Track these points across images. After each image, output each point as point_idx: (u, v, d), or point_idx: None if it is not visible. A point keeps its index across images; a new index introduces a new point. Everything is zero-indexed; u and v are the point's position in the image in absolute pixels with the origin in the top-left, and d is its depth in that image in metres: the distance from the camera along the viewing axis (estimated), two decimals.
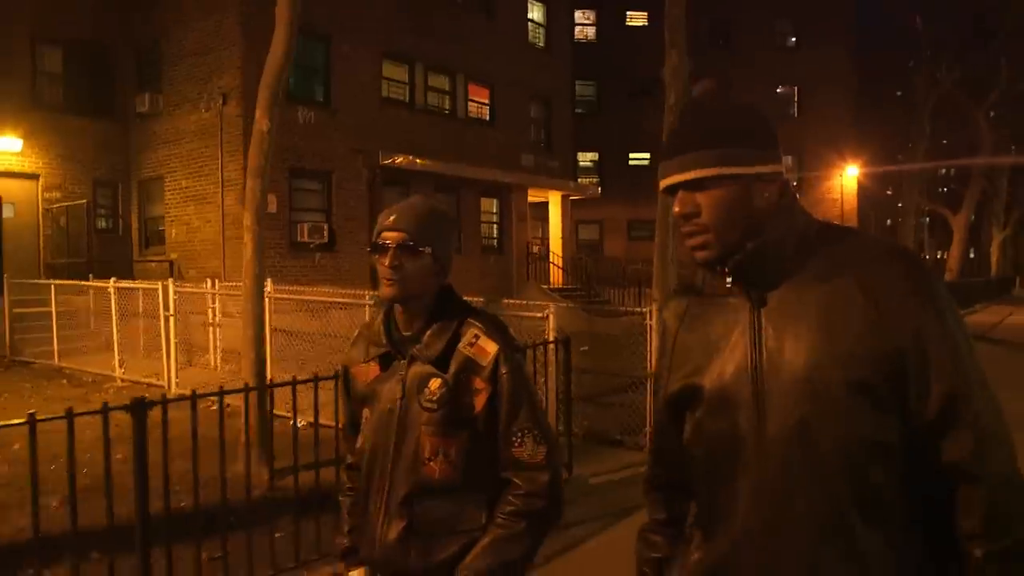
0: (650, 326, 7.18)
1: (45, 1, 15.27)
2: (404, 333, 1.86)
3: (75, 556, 3.35)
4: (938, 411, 1.23)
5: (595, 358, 10.32)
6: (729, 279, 1.37)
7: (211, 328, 11.51)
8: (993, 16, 29.11)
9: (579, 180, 26.76)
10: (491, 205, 20.34)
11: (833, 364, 1.24)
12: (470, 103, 19.80)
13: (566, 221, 23.02)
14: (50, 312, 12.61)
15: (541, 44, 22.40)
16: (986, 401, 1.25)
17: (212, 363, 11.49)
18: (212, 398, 4.06)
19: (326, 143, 15.74)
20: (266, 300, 10.11)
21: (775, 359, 1.30)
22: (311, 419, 4.62)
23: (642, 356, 7.46)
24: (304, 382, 4.44)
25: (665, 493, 1.59)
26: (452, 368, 1.78)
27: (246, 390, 4.62)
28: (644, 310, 7.50)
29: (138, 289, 11.34)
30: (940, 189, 44.66)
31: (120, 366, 10.80)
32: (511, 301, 8.23)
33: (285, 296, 9.35)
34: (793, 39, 32.14)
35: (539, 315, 6.38)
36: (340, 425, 2.00)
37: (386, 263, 1.79)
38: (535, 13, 22.14)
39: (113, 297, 10.92)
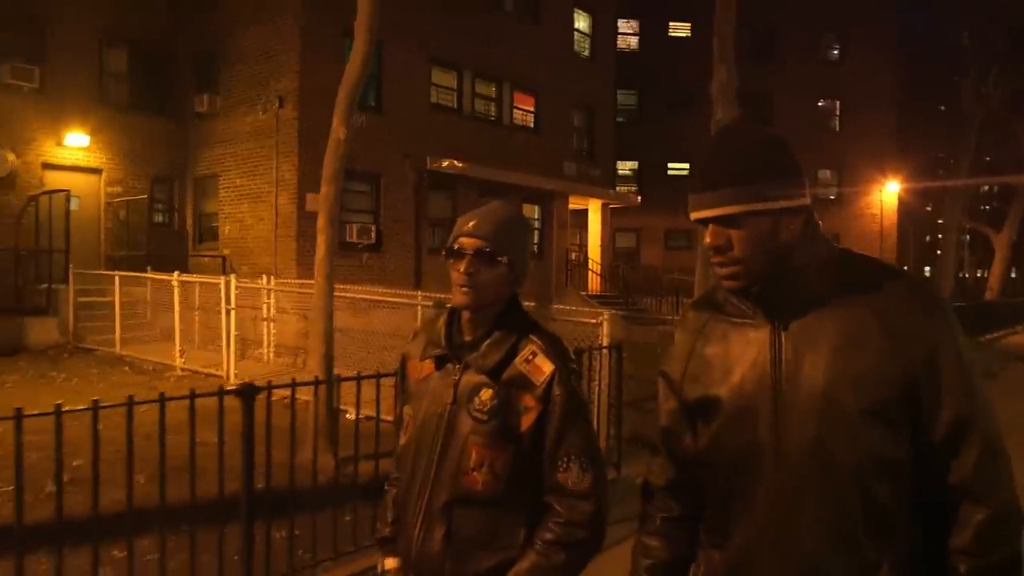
0: None
1: (113, 4, 15.93)
2: (465, 338, 1.84)
3: (165, 527, 3.68)
4: (946, 434, 1.31)
5: (635, 365, 10.56)
6: (751, 304, 1.44)
7: (265, 323, 11.97)
8: None
9: (618, 188, 26.98)
10: (533, 212, 20.67)
11: (848, 387, 1.31)
12: (515, 110, 20.17)
13: (605, 229, 23.27)
14: (111, 302, 13.16)
15: (586, 54, 22.71)
16: (991, 427, 1.33)
17: (265, 356, 11.94)
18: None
19: (376, 147, 16.17)
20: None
21: (794, 378, 1.36)
22: (371, 413, 4.77)
23: None
24: (368, 377, 4.61)
25: (676, 494, 1.60)
26: (503, 381, 1.76)
27: (316, 383, 4.93)
28: None
29: (196, 283, 11.81)
30: (982, 207, 44.08)
31: (180, 356, 11.27)
32: (564, 307, 8.51)
33: (350, 295, 9.72)
34: (836, 52, 32.05)
35: (593, 321, 6.67)
36: (398, 411, 2.00)
37: (461, 269, 1.76)
38: (581, 23, 22.46)
39: (176, 290, 11.42)
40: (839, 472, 1.32)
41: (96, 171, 15.99)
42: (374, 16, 6.46)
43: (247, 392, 3.83)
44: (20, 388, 9.87)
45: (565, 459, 1.73)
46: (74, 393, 9.44)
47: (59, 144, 15.33)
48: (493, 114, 19.61)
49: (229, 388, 3.92)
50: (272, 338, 12.02)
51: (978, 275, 54.07)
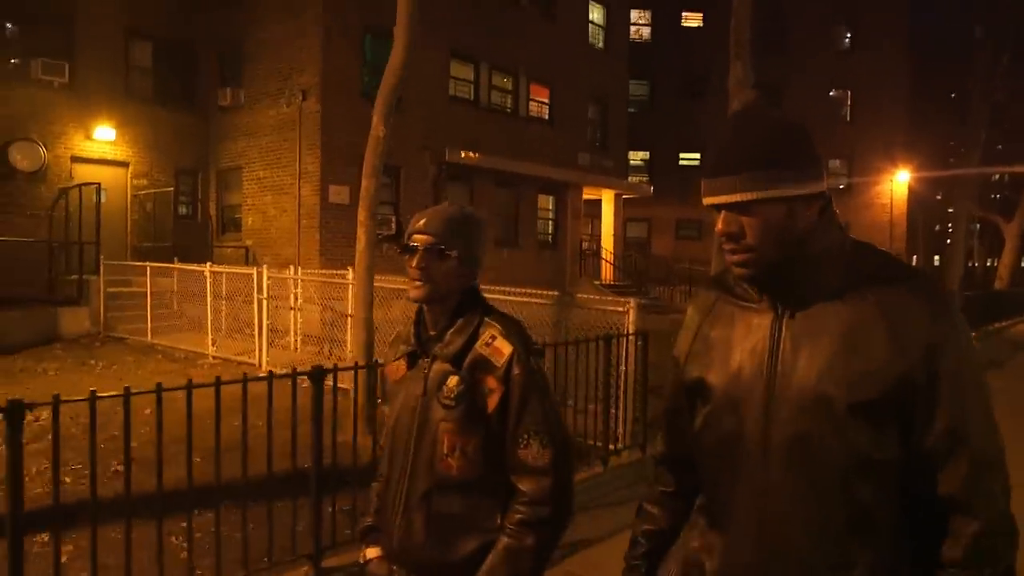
0: None
1: (138, 0, 16.26)
2: (430, 333, 1.92)
3: (227, 501, 3.97)
4: (940, 443, 1.27)
5: (650, 352, 10.90)
6: (758, 290, 1.43)
7: (292, 312, 12.31)
8: None
9: (629, 178, 27.26)
10: (547, 202, 20.99)
11: (841, 383, 1.29)
12: (531, 102, 20.45)
13: (618, 219, 23.56)
14: (139, 292, 13.57)
15: (600, 45, 22.95)
16: (987, 438, 1.29)
17: (292, 345, 12.30)
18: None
19: (396, 139, 16.22)
20: (350, 287, 10.93)
21: (789, 370, 1.34)
22: None
23: None
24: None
25: (674, 468, 1.62)
26: (466, 365, 1.83)
27: (355, 368, 5.25)
28: None
29: (229, 273, 12.18)
30: (992, 196, 44.08)
31: (213, 344, 11.65)
32: (591, 296, 8.85)
33: (389, 285, 9.98)
34: (848, 43, 32.15)
35: (620, 309, 6.99)
36: (381, 413, 2.08)
37: (414, 264, 1.86)
38: (595, 14, 22.69)
39: (208, 280, 11.78)
40: (824, 469, 1.30)
41: (123, 164, 16.37)
42: (413, 22, 6.75)
43: (316, 375, 4.18)
44: (63, 375, 10.27)
45: (525, 436, 1.79)
46: (115, 379, 9.81)
47: (87, 138, 15.72)
48: (509, 106, 19.91)
49: (301, 371, 4.25)
50: (299, 327, 12.37)
51: (988, 264, 54.07)
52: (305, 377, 4.20)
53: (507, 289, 8.44)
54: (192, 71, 17.62)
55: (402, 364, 1.96)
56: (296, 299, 12.26)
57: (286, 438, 4.22)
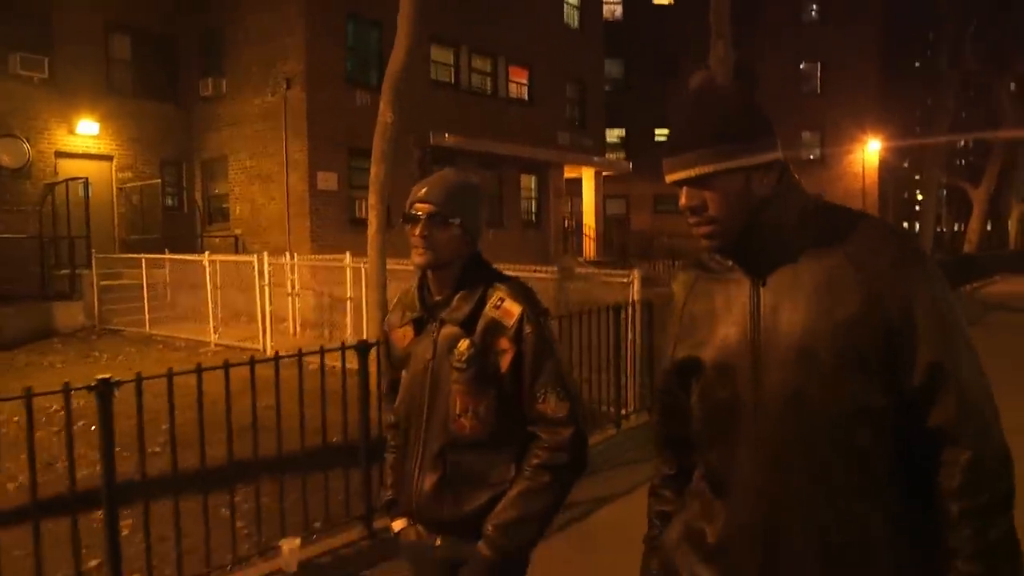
0: None
1: None
2: (436, 298, 1.97)
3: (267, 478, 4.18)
4: (925, 378, 1.31)
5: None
6: (731, 260, 1.46)
7: (290, 297, 12.48)
8: None
9: (607, 156, 27.55)
10: (530, 182, 21.24)
11: (825, 335, 1.32)
12: (511, 84, 20.63)
13: (598, 196, 23.87)
14: (131, 284, 13.64)
15: (575, 25, 23.13)
16: (971, 369, 1.33)
17: (291, 330, 12.48)
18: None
19: None
20: (348, 271, 11.14)
21: (772, 331, 1.38)
22: None
23: None
24: None
25: (674, 449, 1.65)
26: (479, 329, 1.88)
27: (377, 344, 5.44)
28: None
29: (230, 262, 12.31)
30: (958, 162, 45.02)
31: (215, 332, 11.80)
32: (597, 270, 9.15)
33: (401, 267, 10.07)
34: (816, 15, 32.60)
35: (624, 280, 7.29)
36: (382, 387, 2.11)
37: (416, 232, 1.90)
38: None
39: (207, 269, 11.90)
40: (817, 423, 1.33)
41: (107, 158, 16.33)
42: (416, 10, 6.93)
43: (362, 348, 4.42)
44: (70, 368, 10.38)
45: (543, 391, 1.86)
46: (124, 369, 9.92)
47: (71, 132, 15.66)
48: (489, 88, 20.08)
49: (349, 344, 4.48)
50: (297, 313, 12.55)
51: (955, 229, 55.25)
52: (352, 351, 4.42)
53: (509, 265, 8.70)
54: (173, 62, 17.57)
55: (409, 330, 2.01)
56: (294, 285, 12.43)
57: (318, 415, 4.34)
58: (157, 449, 5.23)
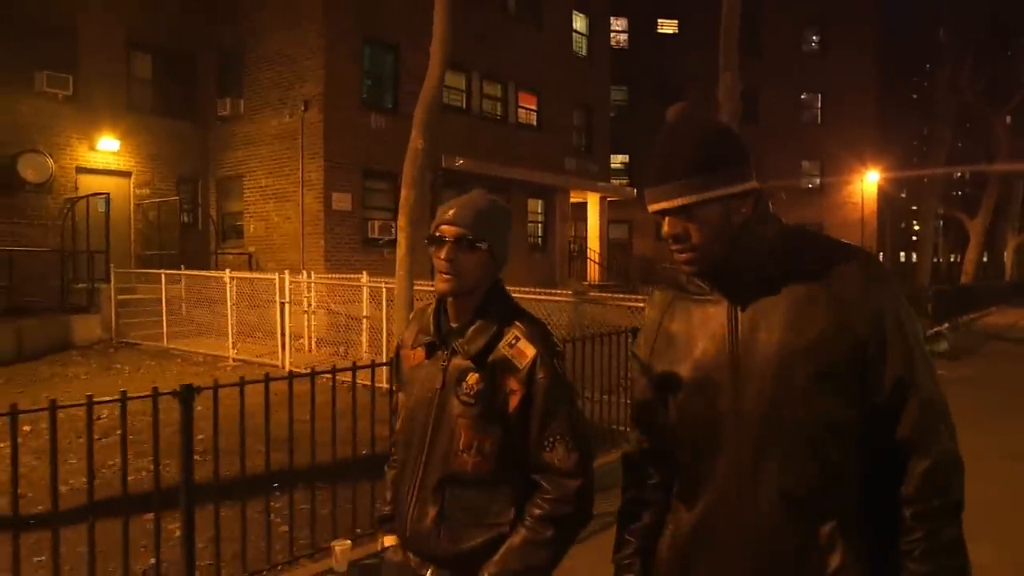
0: None
1: (138, 11, 16.60)
2: (452, 325, 1.90)
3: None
4: (891, 393, 1.39)
5: None
6: (710, 284, 1.53)
7: (306, 315, 12.77)
8: (1015, 17, 30.06)
9: (612, 181, 27.98)
10: (537, 206, 21.64)
11: (800, 355, 1.39)
12: (520, 109, 21.07)
13: (603, 221, 24.26)
14: (147, 299, 13.96)
15: (583, 53, 23.65)
16: (932, 386, 1.42)
17: (307, 347, 12.76)
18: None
19: (393, 146, 16.86)
20: (365, 290, 11.44)
21: (750, 349, 1.44)
22: None
23: None
24: None
25: (651, 462, 1.68)
26: (489, 365, 1.82)
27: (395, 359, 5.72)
28: None
29: (245, 279, 12.60)
30: (955, 193, 45.59)
31: (233, 347, 12.07)
32: (615, 295, 9.46)
33: (425, 288, 10.36)
34: (817, 46, 33.26)
35: (641, 304, 7.59)
36: (395, 398, 2.07)
37: (442, 256, 1.82)
38: (578, 23, 23.38)
39: (228, 286, 12.20)
40: (794, 434, 1.40)
41: (126, 174, 16.68)
42: (447, 40, 7.27)
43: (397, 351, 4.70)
44: (95, 379, 10.64)
45: (551, 439, 1.79)
46: (147, 381, 10.17)
47: (91, 149, 16.01)
48: (499, 113, 20.51)
49: (381, 362, 4.74)
50: (312, 331, 12.83)
51: (951, 259, 55.72)
52: (385, 367, 4.70)
53: (526, 288, 9.02)
54: (191, 82, 17.97)
55: (420, 352, 1.94)
56: (310, 303, 12.72)
57: (362, 428, 4.55)
58: (197, 458, 5.53)
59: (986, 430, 7.67)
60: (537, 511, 1.79)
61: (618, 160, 31.75)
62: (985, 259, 43.90)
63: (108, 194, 15.27)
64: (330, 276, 13.27)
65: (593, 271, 23.61)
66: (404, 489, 1.91)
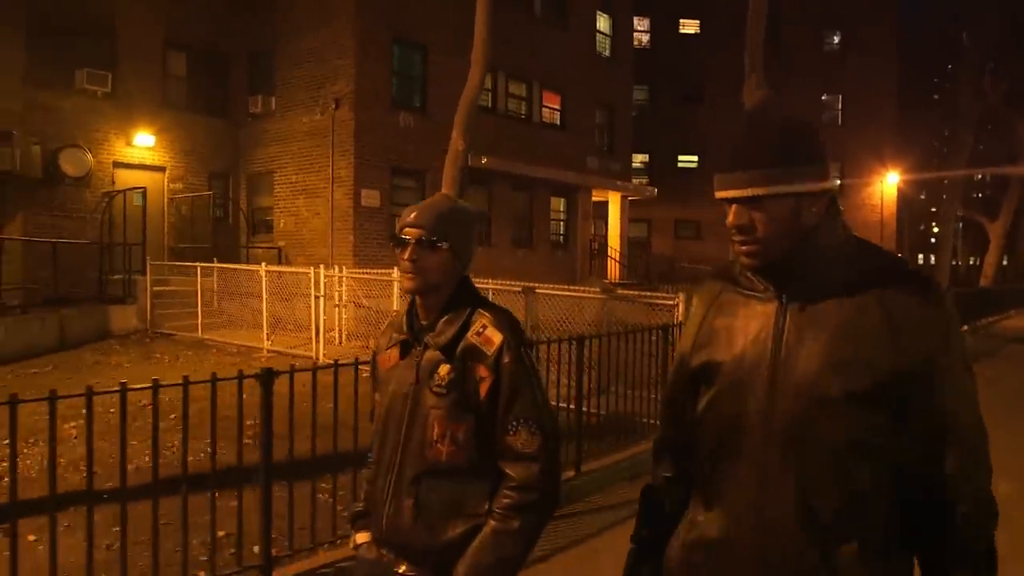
0: None
1: (174, 10, 17.05)
2: (422, 322, 1.95)
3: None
4: (934, 432, 1.35)
5: None
6: (765, 282, 1.48)
7: (337, 308, 13.11)
8: None
9: (632, 180, 28.22)
10: (559, 204, 21.94)
11: (840, 371, 1.35)
12: (544, 109, 21.37)
13: (624, 220, 24.51)
14: (181, 290, 14.36)
15: (607, 53, 23.91)
16: (976, 429, 1.38)
17: (337, 340, 13.11)
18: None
19: (421, 145, 17.32)
20: (396, 285, 11.78)
21: (791, 356, 1.40)
22: None
23: None
24: None
25: (674, 453, 1.68)
26: (458, 354, 1.86)
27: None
28: None
29: (280, 272, 12.97)
30: (975, 195, 45.40)
31: (268, 339, 12.44)
32: (643, 293, 9.74)
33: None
34: (838, 48, 33.31)
35: (670, 302, 7.88)
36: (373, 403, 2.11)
37: (405, 256, 1.89)
38: (602, 24, 23.64)
39: (263, 279, 12.56)
40: (821, 452, 1.36)
41: (160, 169, 17.12)
42: (488, 44, 7.57)
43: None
44: (138, 367, 11.04)
45: (514, 423, 1.83)
46: (189, 370, 10.37)
47: (128, 144, 16.46)
48: (524, 112, 20.81)
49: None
50: (343, 324, 13.18)
51: (970, 262, 55.49)
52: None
53: (559, 286, 9.31)
54: (225, 80, 18.41)
55: (394, 352, 1.99)
56: (341, 297, 13.07)
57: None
58: (247, 442, 5.85)
59: (1013, 431, 7.88)
60: (505, 500, 1.83)
61: (638, 159, 31.95)
62: (1005, 262, 43.75)
63: (145, 188, 15.72)
64: (362, 271, 13.61)
65: (613, 269, 23.88)
66: (380, 483, 1.94)
